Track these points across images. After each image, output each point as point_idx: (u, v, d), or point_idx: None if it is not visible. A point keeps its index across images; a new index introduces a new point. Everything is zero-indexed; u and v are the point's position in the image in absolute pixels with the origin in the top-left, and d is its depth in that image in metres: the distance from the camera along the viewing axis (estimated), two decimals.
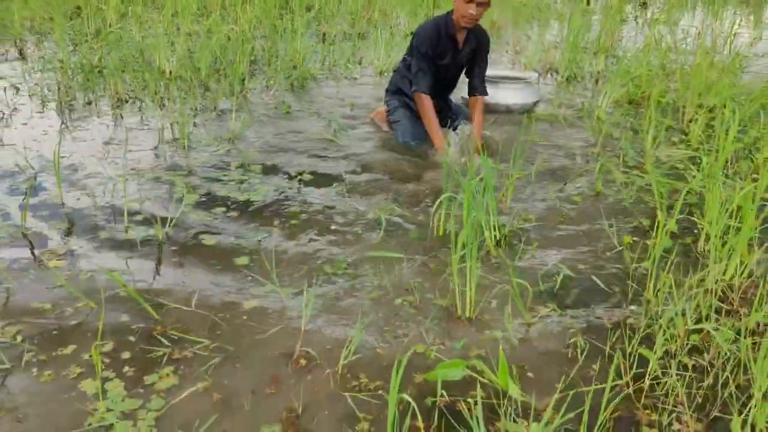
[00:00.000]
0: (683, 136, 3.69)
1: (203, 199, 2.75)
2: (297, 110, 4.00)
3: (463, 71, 3.53)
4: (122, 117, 3.73)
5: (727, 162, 3.18)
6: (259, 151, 3.32)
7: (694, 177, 2.95)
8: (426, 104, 3.29)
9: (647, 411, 1.64)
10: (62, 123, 3.60)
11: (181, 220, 2.54)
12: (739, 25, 7.23)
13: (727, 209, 2.30)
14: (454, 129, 3.32)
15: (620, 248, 2.45)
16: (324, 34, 5.86)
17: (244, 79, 4.45)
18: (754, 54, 6.04)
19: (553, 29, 6.71)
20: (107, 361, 1.76)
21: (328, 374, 1.73)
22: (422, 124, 3.36)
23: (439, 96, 3.52)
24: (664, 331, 1.81)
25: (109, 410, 1.59)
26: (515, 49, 5.82)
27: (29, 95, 4.04)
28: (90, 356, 1.76)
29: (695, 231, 2.60)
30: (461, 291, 2.04)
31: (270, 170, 3.08)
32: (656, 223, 2.41)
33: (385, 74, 4.87)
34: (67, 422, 1.55)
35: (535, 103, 4.13)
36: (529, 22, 6.92)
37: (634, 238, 2.53)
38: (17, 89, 4.13)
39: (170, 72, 4.46)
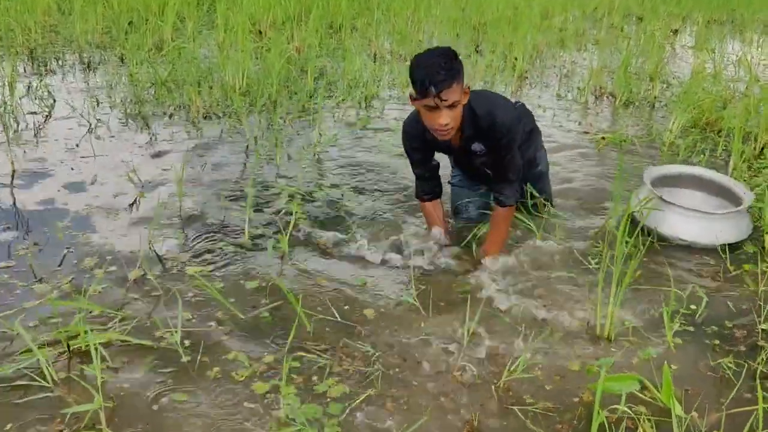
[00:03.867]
0: (757, 162, 3.77)
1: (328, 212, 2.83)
2: (374, 127, 4.09)
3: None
4: (203, 130, 3.82)
5: None
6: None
7: None
8: (423, 211, 2.69)
9: None
10: (150, 136, 3.68)
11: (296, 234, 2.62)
12: None
13: None
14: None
15: (738, 272, 2.52)
16: (375, 54, 5.96)
17: (311, 96, 4.54)
18: None
19: (595, 54, 6.82)
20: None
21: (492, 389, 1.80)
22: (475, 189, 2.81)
23: (474, 177, 2.74)
24: None
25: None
26: (564, 73, 5.92)
27: (110, 107, 4.12)
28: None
29: None
30: (603, 312, 2.11)
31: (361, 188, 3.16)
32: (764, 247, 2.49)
33: None
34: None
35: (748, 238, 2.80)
36: (569, 46, 7.03)
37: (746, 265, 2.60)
38: (97, 101, 4.21)
39: (240, 88, 4.54)
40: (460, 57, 2.17)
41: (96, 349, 1.63)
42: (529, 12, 7.54)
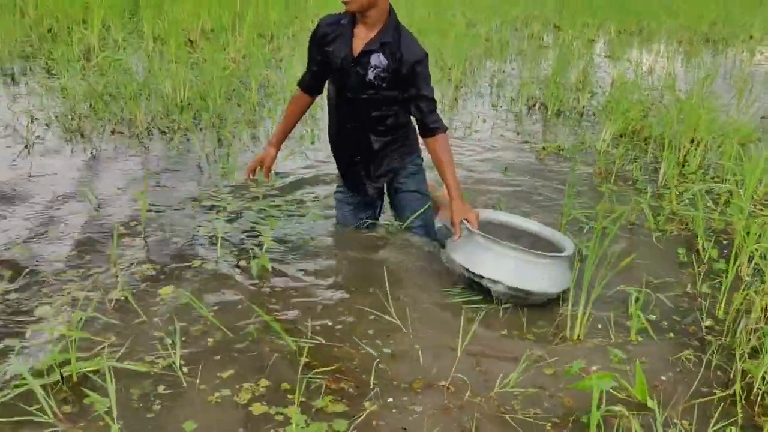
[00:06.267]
0: (681, 169, 4.06)
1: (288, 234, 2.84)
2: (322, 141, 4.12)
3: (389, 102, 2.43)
4: (149, 146, 3.74)
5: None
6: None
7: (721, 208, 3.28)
8: (290, 103, 2.66)
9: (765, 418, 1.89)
10: (92, 153, 3.57)
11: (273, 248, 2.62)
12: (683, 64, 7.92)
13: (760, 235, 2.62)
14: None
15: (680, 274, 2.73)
16: None
17: (255, 108, 4.52)
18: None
19: (521, 64, 7.11)
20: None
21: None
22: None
23: (352, 136, 2.54)
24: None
25: None
26: (494, 82, 6.15)
27: (46, 124, 3.95)
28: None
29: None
30: (571, 315, 2.23)
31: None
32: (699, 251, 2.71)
33: None
34: None
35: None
36: (496, 56, 7.30)
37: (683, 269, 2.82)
38: (32, 117, 4.03)
39: (181, 101, 4.46)
40: None
41: (110, 371, 1.59)
42: (454, 20, 7.79)
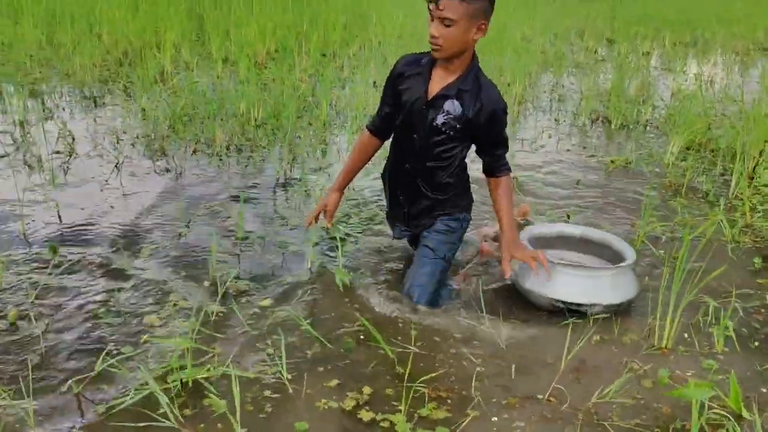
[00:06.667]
0: (751, 181, 4.03)
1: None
2: None
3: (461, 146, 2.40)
4: (229, 163, 3.91)
5: None
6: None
7: None
8: (356, 143, 2.63)
9: None
10: (177, 171, 3.75)
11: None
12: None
13: None
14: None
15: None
16: (375, 82, 6.12)
17: (325, 125, 4.67)
18: None
19: (579, 77, 7.12)
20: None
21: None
22: None
23: (405, 178, 2.51)
24: None
25: None
26: (554, 96, 6.18)
27: (131, 144, 4.17)
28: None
29: None
30: (660, 324, 2.28)
31: None
32: None
33: None
34: None
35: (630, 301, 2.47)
36: (555, 70, 7.33)
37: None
38: (118, 138, 4.25)
39: (256, 120, 4.64)
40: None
41: (235, 379, 1.71)
42: (510, 35, 7.84)
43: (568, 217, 3.34)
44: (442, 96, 2.29)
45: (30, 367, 1.98)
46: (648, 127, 5.27)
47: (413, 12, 9.34)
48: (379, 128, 2.54)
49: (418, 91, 2.32)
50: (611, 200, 3.66)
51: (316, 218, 2.63)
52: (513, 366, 2.11)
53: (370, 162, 2.69)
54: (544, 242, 2.70)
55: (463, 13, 2.09)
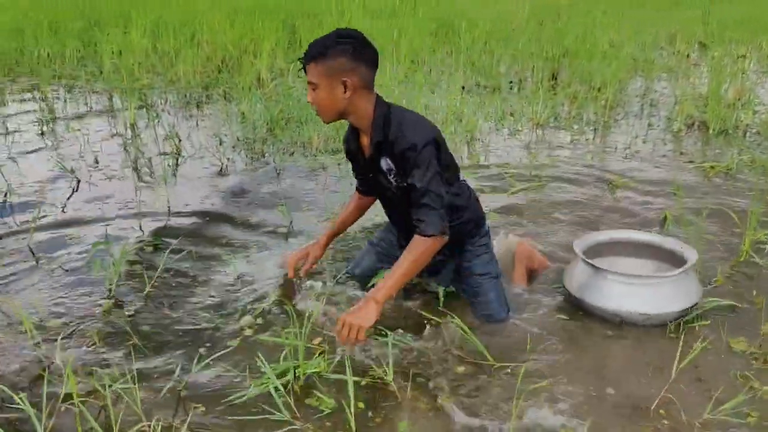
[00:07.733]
0: None
1: None
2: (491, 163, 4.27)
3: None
4: (326, 167, 4.05)
5: None
6: None
7: None
8: (352, 196, 2.64)
9: None
10: (277, 173, 3.92)
11: None
12: None
13: None
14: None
15: None
16: (463, 87, 6.17)
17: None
18: None
19: (671, 82, 6.92)
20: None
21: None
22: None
23: (399, 222, 2.45)
24: None
25: None
26: (646, 101, 6.05)
27: (233, 146, 4.39)
28: None
29: None
30: None
31: None
32: None
33: (543, 126, 5.13)
34: None
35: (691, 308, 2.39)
36: (646, 75, 7.16)
37: None
38: (220, 141, 4.49)
39: None
40: (371, 49, 2.09)
41: (350, 371, 1.82)
42: (596, 41, 7.71)
43: (665, 222, 3.29)
44: (375, 157, 2.20)
45: (134, 355, 2.13)
46: (748, 133, 5.08)
47: (499, 18, 9.34)
48: (362, 189, 2.56)
49: (361, 155, 2.29)
50: (712, 207, 3.57)
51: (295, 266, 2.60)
52: (621, 375, 2.11)
53: None
54: (605, 249, 2.63)
55: (321, 74, 2.04)
